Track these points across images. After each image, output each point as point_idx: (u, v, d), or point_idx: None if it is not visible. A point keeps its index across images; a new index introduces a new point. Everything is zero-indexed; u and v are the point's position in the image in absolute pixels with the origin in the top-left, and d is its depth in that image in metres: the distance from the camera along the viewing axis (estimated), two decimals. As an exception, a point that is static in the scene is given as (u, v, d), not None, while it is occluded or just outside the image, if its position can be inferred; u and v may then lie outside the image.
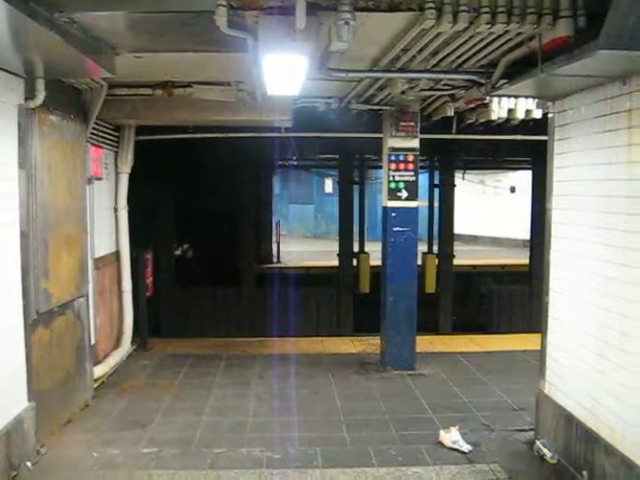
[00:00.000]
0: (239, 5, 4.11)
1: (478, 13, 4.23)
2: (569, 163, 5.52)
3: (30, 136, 5.63)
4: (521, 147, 11.22)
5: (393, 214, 8.31)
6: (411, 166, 8.28)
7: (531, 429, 6.20)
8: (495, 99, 8.07)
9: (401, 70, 5.93)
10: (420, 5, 4.23)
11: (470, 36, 4.67)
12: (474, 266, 15.49)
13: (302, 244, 24.53)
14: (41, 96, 5.54)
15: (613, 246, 4.73)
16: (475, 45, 5.02)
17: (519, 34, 4.58)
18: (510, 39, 4.76)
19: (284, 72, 5.00)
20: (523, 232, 15.59)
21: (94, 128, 7.41)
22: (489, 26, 4.29)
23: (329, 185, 27.88)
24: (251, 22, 4.25)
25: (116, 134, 8.77)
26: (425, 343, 9.26)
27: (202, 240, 13.72)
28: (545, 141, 5.95)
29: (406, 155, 8.27)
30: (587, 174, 5.17)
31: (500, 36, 4.69)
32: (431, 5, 4.17)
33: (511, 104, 8.38)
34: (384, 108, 8.14)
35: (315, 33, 4.21)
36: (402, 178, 8.27)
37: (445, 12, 4.19)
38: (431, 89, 6.97)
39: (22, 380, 5.48)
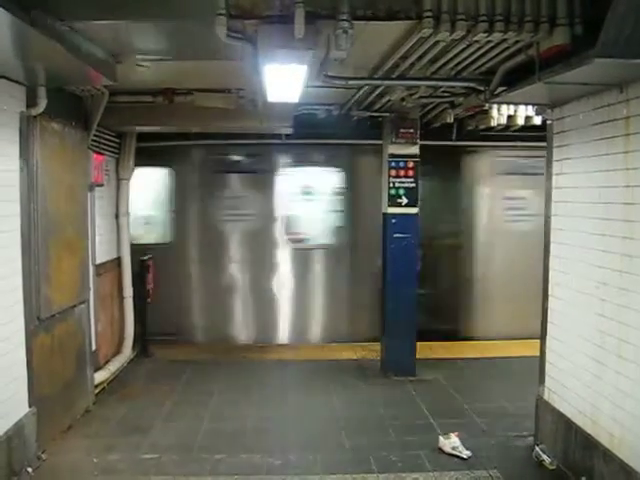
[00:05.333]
0: (238, 14, 4.14)
1: (476, 21, 4.25)
2: (568, 170, 5.55)
3: (32, 143, 5.67)
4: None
5: (393, 220, 8.33)
6: (411, 172, 8.30)
7: (530, 435, 6.20)
8: (495, 106, 8.09)
9: (400, 77, 5.95)
10: (418, 14, 4.25)
11: (468, 44, 4.69)
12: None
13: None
14: (43, 104, 5.57)
15: (611, 252, 4.75)
16: (473, 53, 5.04)
17: (517, 42, 4.60)
18: (508, 47, 4.77)
19: (284, 80, 5.04)
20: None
21: (95, 135, 7.45)
22: (487, 34, 4.31)
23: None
24: (250, 31, 4.28)
25: (117, 141, 8.82)
26: (426, 349, 9.25)
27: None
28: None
29: (406, 162, 8.30)
30: (585, 181, 5.20)
31: (498, 44, 4.70)
32: (429, 14, 4.19)
33: (511, 111, 8.40)
34: (384, 115, 8.18)
35: (314, 42, 4.23)
36: (402, 185, 8.29)
37: (443, 21, 4.21)
38: (430, 96, 6.99)
39: (23, 386, 5.51)
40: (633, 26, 3.82)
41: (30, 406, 5.58)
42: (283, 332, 10.45)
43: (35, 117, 5.67)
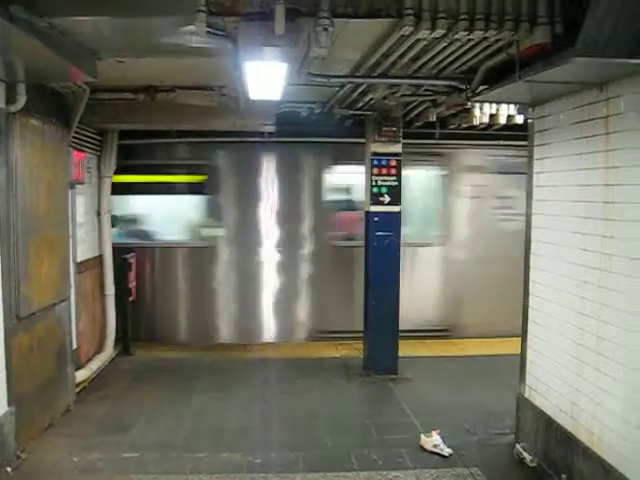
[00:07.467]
0: (219, 11, 4.12)
1: (456, 20, 4.25)
2: (548, 168, 5.58)
3: (11, 140, 5.60)
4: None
5: (375, 219, 8.34)
6: (394, 171, 8.32)
7: (511, 433, 6.23)
8: (477, 105, 8.12)
9: (382, 75, 5.96)
10: (399, 11, 4.25)
11: (449, 42, 4.68)
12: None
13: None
14: (22, 100, 5.51)
15: (590, 251, 4.78)
16: (455, 51, 5.05)
17: (498, 41, 4.61)
18: (489, 46, 4.79)
19: (265, 77, 5.03)
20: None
21: (76, 132, 7.38)
22: (467, 33, 4.31)
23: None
24: (231, 28, 4.27)
25: (99, 138, 8.75)
26: (408, 347, 9.27)
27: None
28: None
29: (389, 160, 8.31)
30: (566, 179, 5.22)
31: (479, 43, 4.71)
32: (410, 12, 4.18)
33: (493, 109, 8.44)
34: (366, 113, 8.19)
35: (295, 39, 4.22)
36: (385, 183, 8.30)
37: (423, 19, 4.21)
38: (413, 94, 7.00)
39: (2, 385, 5.44)
40: (613, 25, 3.85)
41: (9, 405, 5.52)
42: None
43: (14, 114, 5.59)
